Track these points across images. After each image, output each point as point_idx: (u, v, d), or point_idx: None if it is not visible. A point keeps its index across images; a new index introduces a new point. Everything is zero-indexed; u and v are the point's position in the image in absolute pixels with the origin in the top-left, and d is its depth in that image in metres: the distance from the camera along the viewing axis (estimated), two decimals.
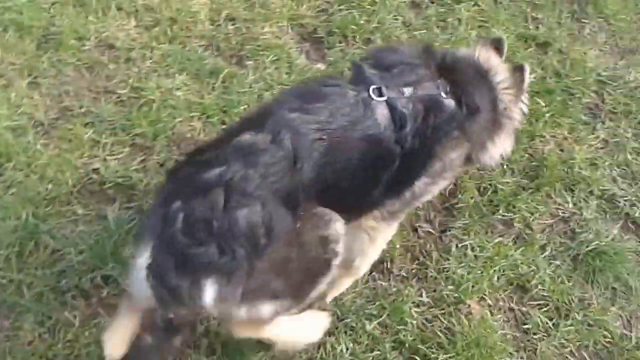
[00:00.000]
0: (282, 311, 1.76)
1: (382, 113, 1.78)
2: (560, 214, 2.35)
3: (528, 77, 2.06)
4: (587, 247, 2.25)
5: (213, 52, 2.62)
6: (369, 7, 2.86)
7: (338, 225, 1.75)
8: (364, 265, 2.12)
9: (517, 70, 2.04)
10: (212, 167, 1.62)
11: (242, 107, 2.43)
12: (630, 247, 2.29)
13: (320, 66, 2.63)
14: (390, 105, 1.80)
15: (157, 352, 1.76)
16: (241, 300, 1.65)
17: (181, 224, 1.58)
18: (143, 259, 1.63)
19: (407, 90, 1.83)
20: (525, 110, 2.10)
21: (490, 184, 2.36)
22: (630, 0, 3.00)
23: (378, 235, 2.05)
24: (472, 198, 2.31)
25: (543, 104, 2.57)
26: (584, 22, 2.90)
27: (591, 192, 2.39)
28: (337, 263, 1.77)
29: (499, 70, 2.03)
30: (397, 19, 2.86)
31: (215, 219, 1.56)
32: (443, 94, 1.86)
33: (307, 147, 1.67)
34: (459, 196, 2.32)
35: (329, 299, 2.12)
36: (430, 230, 2.26)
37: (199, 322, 1.96)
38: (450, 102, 1.86)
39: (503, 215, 2.30)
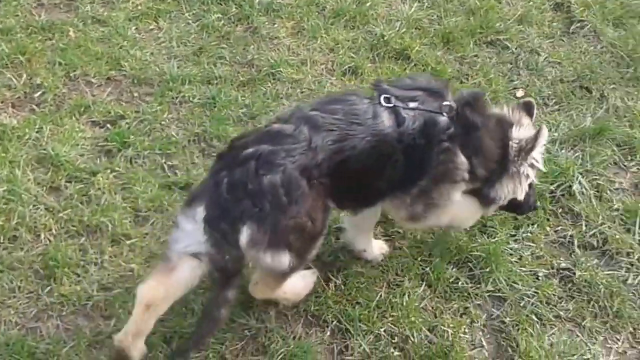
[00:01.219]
0: (294, 266, 2.31)
1: (387, 117, 2.33)
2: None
3: (544, 137, 2.49)
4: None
5: None
6: (3, 205, 2.80)
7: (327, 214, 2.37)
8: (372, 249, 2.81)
9: (526, 106, 2.62)
10: (248, 147, 2.26)
11: None
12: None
13: None
14: (395, 111, 2.34)
15: (217, 306, 2.31)
16: (267, 246, 2.22)
17: (225, 186, 2.22)
18: (198, 215, 2.25)
19: (412, 104, 2.38)
20: (539, 166, 2.58)
21: None
22: None
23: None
24: None
25: None
26: (214, 156, 3.18)
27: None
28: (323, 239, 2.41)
29: (524, 124, 2.54)
30: (38, 208, 2.84)
31: (249, 182, 2.20)
32: (444, 114, 2.38)
33: (321, 136, 2.26)
34: None
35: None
36: None
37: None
38: (445, 119, 2.37)
39: None
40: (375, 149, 2.31)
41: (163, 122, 3.31)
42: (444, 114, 2.38)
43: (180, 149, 3.19)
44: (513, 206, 2.67)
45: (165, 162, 3.13)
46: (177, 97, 3.43)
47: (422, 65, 3.66)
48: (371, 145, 2.30)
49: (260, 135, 2.33)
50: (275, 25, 3.91)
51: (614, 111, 3.51)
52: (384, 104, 2.35)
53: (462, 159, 2.41)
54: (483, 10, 4.02)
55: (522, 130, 2.53)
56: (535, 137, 2.50)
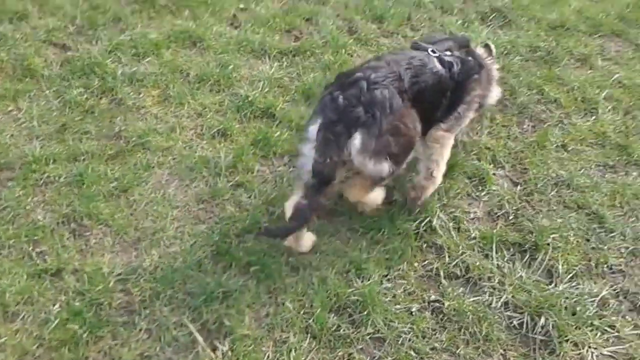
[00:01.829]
0: (392, 171, 2.92)
1: (437, 63, 3.14)
2: None
3: (494, 49, 3.65)
4: None
5: None
6: None
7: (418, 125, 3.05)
8: (439, 175, 3.37)
9: (487, 47, 3.62)
10: (356, 73, 2.91)
11: None
12: None
13: None
14: (441, 59, 3.16)
15: (309, 209, 2.85)
16: (373, 152, 2.81)
17: (341, 99, 2.82)
18: (316, 125, 2.82)
19: (448, 53, 3.25)
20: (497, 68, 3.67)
21: None
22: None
23: (444, 145, 3.33)
24: None
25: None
26: (86, 235, 3.18)
27: None
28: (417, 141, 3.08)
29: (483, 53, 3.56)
30: None
31: (362, 95, 2.82)
32: (468, 57, 3.31)
33: (403, 71, 2.98)
34: None
35: (420, 202, 3.41)
36: None
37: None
38: (471, 60, 3.31)
39: None
40: (438, 84, 3.11)
41: (28, 207, 3.24)
42: (469, 58, 3.32)
43: (49, 233, 3.14)
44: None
45: (32, 250, 3.06)
46: (41, 179, 3.38)
47: (287, 122, 3.84)
48: (435, 81, 3.09)
49: (362, 67, 3.00)
50: (141, 95, 3.96)
51: (462, 147, 3.83)
52: (431, 54, 3.16)
53: (480, 88, 3.36)
54: (337, 65, 4.29)
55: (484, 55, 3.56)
56: (490, 51, 3.63)
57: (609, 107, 4.25)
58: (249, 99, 3.97)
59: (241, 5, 4.84)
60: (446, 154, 3.36)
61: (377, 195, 3.27)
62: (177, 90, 4.01)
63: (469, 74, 3.24)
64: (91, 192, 3.33)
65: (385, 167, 2.87)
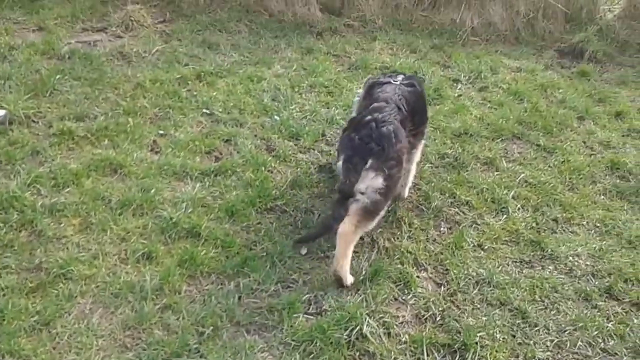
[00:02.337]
0: (386, 185, 3.67)
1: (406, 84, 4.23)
2: None
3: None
4: None
5: None
6: None
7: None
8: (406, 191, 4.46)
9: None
10: (366, 116, 3.82)
11: None
12: None
13: None
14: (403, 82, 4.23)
15: (333, 219, 3.64)
16: (376, 170, 3.62)
17: (357, 139, 3.71)
18: (341, 161, 3.70)
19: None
20: None
21: None
22: None
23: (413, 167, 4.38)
24: None
25: None
26: None
27: None
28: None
29: None
30: None
31: (373, 133, 3.69)
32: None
33: (398, 101, 3.98)
34: None
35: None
36: None
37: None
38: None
39: None
40: (419, 103, 4.24)
41: None
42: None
43: None
44: None
45: None
46: None
47: (213, 240, 3.88)
48: (417, 98, 4.19)
49: (370, 109, 3.87)
50: (62, 225, 3.92)
51: (384, 252, 3.96)
52: (394, 82, 4.20)
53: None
54: (259, 182, 4.43)
55: None
56: None
57: (519, 206, 4.55)
58: (173, 220, 4.00)
59: (160, 132, 4.97)
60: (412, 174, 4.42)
61: (347, 274, 3.65)
62: (99, 217, 3.99)
63: (421, 86, 4.39)
64: (12, 329, 3.19)
65: (380, 180, 3.58)
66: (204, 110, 5.30)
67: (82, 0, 7.04)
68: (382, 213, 3.75)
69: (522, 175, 4.93)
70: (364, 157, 3.60)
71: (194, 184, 4.39)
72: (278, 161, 4.76)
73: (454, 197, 4.57)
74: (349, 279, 3.61)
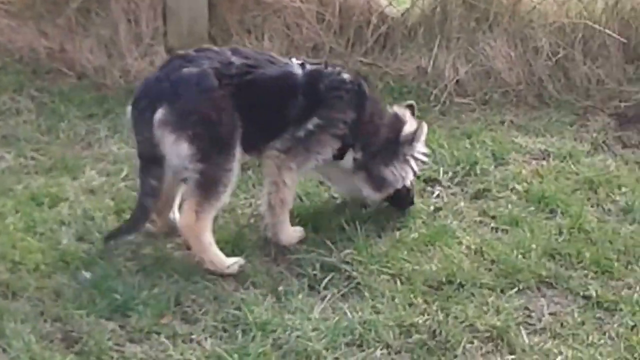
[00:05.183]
0: (195, 159, 2.83)
1: (295, 63, 3.15)
2: None
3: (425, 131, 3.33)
4: None
5: None
6: None
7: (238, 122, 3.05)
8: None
9: (410, 107, 3.43)
10: (181, 56, 3.08)
11: None
12: None
13: None
14: (303, 64, 3.13)
15: (144, 195, 2.97)
16: (173, 128, 2.81)
17: (153, 77, 3.00)
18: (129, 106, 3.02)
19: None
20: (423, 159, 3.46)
21: None
22: None
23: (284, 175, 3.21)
24: None
25: None
26: None
27: None
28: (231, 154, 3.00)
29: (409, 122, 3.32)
30: None
31: (172, 73, 2.90)
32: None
33: (240, 59, 3.03)
34: None
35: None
36: None
37: None
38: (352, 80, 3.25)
39: None
40: (280, 80, 3.00)
41: None
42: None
43: None
44: (397, 197, 3.36)
45: None
46: None
47: None
48: (277, 76, 2.99)
49: (195, 50, 3.03)
50: None
51: None
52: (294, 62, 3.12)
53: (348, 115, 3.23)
54: None
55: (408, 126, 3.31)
56: (418, 129, 3.30)
57: None
58: None
59: None
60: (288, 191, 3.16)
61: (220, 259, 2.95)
62: None
63: (338, 87, 3.10)
64: None
65: (185, 148, 2.79)
66: None
67: None
68: (226, 178, 2.95)
69: (560, 359, 2.89)
70: (153, 100, 2.86)
71: None
72: None
73: None
74: (226, 262, 2.98)
